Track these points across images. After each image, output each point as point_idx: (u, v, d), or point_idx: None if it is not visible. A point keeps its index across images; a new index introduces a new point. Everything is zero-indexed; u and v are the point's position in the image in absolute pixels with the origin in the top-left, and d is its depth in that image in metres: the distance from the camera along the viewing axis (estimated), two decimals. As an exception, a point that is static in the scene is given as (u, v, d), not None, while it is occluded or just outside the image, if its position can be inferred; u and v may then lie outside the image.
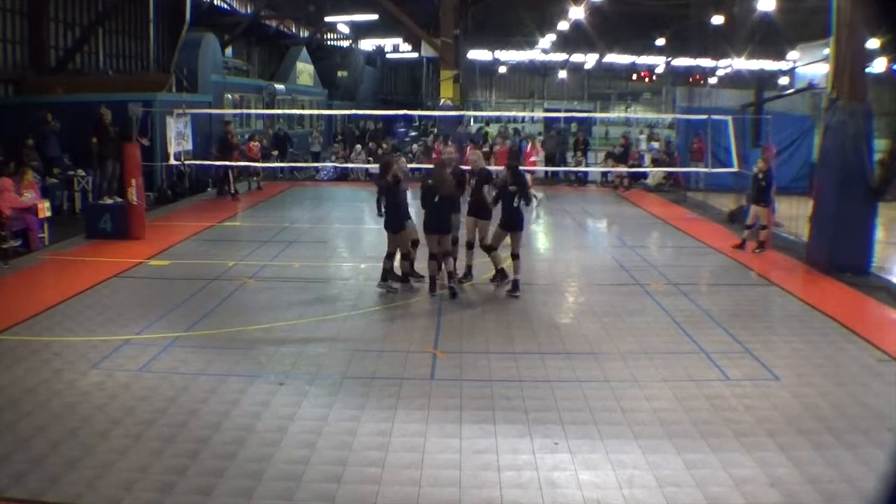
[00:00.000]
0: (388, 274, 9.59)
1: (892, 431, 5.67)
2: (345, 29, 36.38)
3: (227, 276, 10.34)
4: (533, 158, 19.42)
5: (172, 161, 15.27)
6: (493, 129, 25.08)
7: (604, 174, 22.37)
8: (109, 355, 7.17)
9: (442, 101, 23.13)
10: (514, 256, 9.57)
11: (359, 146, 22.13)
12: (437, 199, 9.15)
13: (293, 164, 20.73)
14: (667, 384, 6.69)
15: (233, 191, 17.67)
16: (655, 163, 22.05)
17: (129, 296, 9.39)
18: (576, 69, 45.05)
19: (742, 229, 12.97)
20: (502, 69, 46.16)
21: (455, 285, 9.38)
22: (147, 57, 23.20)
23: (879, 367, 7.16)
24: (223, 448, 5.35)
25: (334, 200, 17.93)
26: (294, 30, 36.12)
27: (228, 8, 29.18)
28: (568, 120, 27.88)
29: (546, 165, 20.81)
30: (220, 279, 10.14)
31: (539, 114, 42.24)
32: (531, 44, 38.17)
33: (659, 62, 39.78)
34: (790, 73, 29.61)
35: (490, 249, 9.79)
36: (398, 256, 9.78)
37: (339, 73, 37.60)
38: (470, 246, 9.98)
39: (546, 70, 47.23)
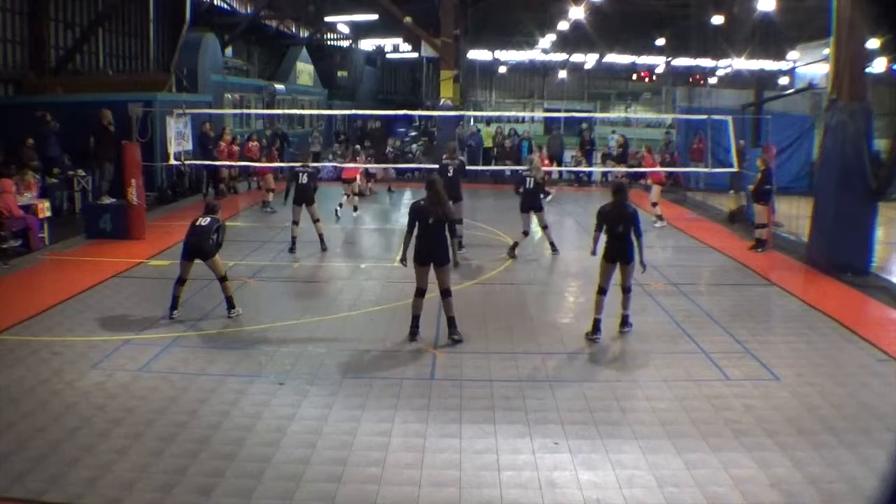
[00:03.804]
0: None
1: (892, 431, 5.68)
2: (345, 29, 36.35)
3: (228, 275, 10.32)
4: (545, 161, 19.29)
5: (172, 161, 15.26)
6: (491, 129, 24.96)
7: (604, 174, 22.39)
8: (109, 355, 7.17)
9: (442, 101, 23.13)
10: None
11: (358, 146, 22.12)
12: (430, 221, 7.56)
13: (293, 165, 20.76)
14: (667, 384, 6.69)
15: (227, 189, 17.81)
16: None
17: (129, 296, 9.39)
18: (576, 69, 45.03)
19: (752, 229, 13.07)
20: (502, 69, 46.15)
21: (457, 335, 7.66)
22: (147, 57, 23.19)
23: (879, 367, 7.16)
24: (223, 448, 5.35)
25: (334, 200, 17.91)
26: (294, 30, 36.10)
27: (228, 8, 29.16)
28: (574, 120, 27.94)
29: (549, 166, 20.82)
30: (220, 279, 10.12)
31: (539, 114, 42.24)
32: (531, 44, 38.18)
33: (659, 62, 39.79)
34: (790, 73, 29.63)
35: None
36: None
37: (339, 73, 37.56)
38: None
39: (546, 70, 47.23)
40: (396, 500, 4.73)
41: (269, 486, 4.86)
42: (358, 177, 16.16)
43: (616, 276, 7.93)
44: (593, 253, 8.22)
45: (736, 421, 5.90)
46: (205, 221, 8.45)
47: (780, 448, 5.43)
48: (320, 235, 12.01)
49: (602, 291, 7.88)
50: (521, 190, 12.04)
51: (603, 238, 8.02)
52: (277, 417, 5.88)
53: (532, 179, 11.78)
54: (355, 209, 15.89)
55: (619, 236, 7.81)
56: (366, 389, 6.47)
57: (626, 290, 8.01)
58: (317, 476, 4.98)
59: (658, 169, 16.59)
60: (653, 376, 6.92)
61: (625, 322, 8.13)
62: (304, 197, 11.76)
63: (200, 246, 8.32)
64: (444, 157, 12.49)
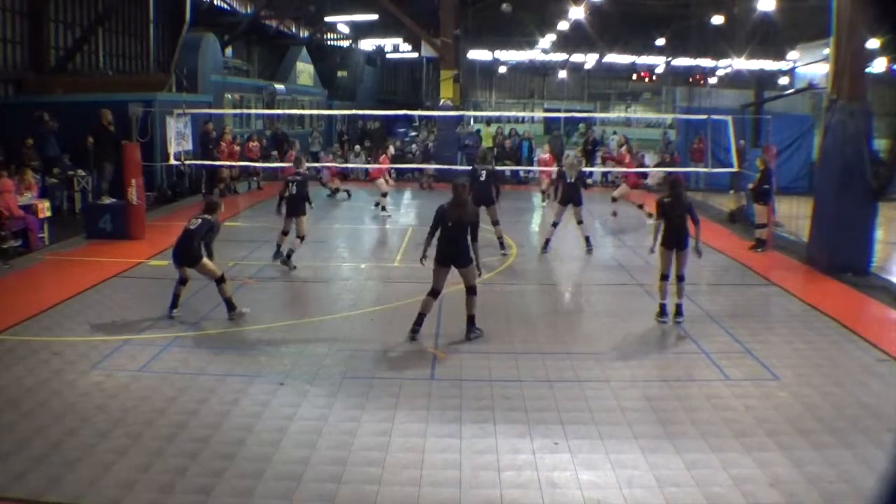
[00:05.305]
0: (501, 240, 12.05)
1: (892, 431, 5.68)
2: (345, 29, 36.35)
3: (227, 276, 10.31)
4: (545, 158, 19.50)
5: (172, 161, 15.27)
6: (491, 129, 24.94)
7: (604, 174, 22.40)
8: (109, 355, 7.17)
9: (442, 101, 23.13)
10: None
11: (357, 147, 22.13)
12: (450, 224, 7.65)
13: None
14: (667, 384, 6.70)
15: (227, 189, 17.83)
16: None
17: (129, 296, 9.39)
18: (576, 69, 45.08)
19: (752, 229, 13.10)
20: (502, 69, 46.18)
21: (473, 333, 7.82)
22: (147, 57, 23.18)
23: (879, 367, 7.16)
24: (223, 448, 5.35)
25: (334, 200, 17.94)
26: (294, 30, 36.08)
27: (228, 8, 29.14)
28: (575, 120, 28.00)
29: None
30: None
31: (539, 114, 42.26)
32: (531, 44, 38.20)
33: (659, 62, 39.82)
34: (790, 73, 29.60)
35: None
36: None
37: (339, 73, 37.55)
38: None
39: (546, 70, 47.28)
40: (396, 500, 4.73)
41: (269, 486, 4.86)
42: (383, 176, 16.24)
43: (672, 264, 8.47)
44: (652, 250, 8.70)
45: (736, 421, 5.90)
46: (194, 224, 8.34)
47: (780, 448, 5.43)
48: (291, 250, 10.91)
49: (664, 277, 8.54)
50: (559, 186, 12.79)
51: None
52: (277, 417, 5.88)
53: (574, 174, 12.37)
54: (383, 208, 16.02)
55: (677, 225, 8.47)
56: (366, 389, 6.47)
57: (680, 279, 8.51)
58: (317, 476, 4.98)
59: (646, 169, 16.89)
60: (652, 376, 6.93)
61: (679, 311, 8.48)
62: (294, 209, 11.06)
63: (182, 253, 8.24)
64: (476, 161, 12.88)
